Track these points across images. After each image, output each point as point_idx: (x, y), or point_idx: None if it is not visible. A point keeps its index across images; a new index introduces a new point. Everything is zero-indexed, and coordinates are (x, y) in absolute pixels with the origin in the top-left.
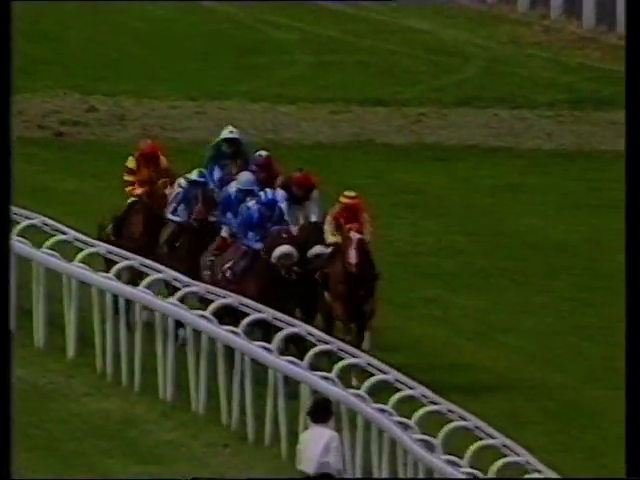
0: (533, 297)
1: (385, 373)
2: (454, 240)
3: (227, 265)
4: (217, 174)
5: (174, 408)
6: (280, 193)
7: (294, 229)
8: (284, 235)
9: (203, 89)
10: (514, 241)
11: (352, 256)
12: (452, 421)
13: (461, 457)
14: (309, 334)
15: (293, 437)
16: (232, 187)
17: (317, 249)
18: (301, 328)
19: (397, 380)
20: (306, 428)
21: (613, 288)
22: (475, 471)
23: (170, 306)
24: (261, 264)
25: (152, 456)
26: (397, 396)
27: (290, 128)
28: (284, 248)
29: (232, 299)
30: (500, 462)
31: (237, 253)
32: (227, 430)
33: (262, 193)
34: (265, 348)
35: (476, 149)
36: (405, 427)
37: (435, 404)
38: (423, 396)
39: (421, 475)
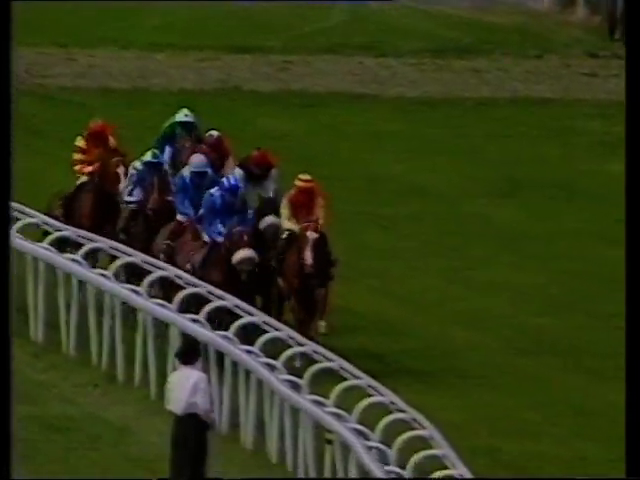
0: (400, 242)
1: (251, 315)
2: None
3: (187, 257)
4: (168, 154)
5: (45, 350)
6: (238, 172)
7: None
8: (245, 238)
9: (73, 36)
10: (379, 187)
11: (308, 257)
12: (318, 362)
13: (327, 397)
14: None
15: (162, 378)
16: (186, 170)
17: (269, 219)
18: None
19: (264, 322)
20: (175, 369)
21: (475, 232)
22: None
23: (41, 250)
24: (220, 257)
25: (24, 397)
26: (263, 338)
27: (158, 75)
28: (244, 252)
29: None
30: (365, 402)
31: (196, 243)
32: (97, 371)
33: (225, 179)
34: (134, 291)
35: (341, 96)
36: (272, 368)
37: (301, 345)
38: (290, 337)
39: (287, 414)
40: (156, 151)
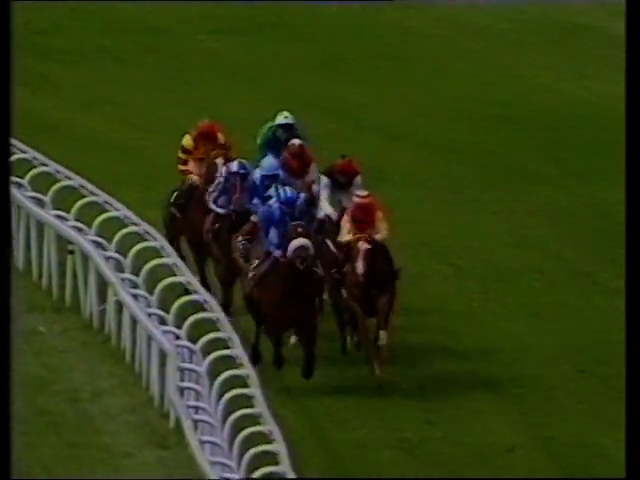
0: (136, 75)
1: None
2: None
3: (253, 266)
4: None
5: None
6: (324, 180)
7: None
8: (299, 229)
9: None
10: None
11: (360, 267)
12: (60, 180)
13: (69, 212)
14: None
15: None
16: (256, 173)
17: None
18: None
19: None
20: None
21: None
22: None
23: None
24: (277, 273)
25: None
26: (12, 158)
27: None
28: (298, 241)
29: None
30: (102, 216)
31: (261, 252)
32: None
33: (281, 191)
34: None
35: None
36: (19, 186)
37: (45, 165)
38: (35, 159)
39: (33, 227)
40: (243, 161)
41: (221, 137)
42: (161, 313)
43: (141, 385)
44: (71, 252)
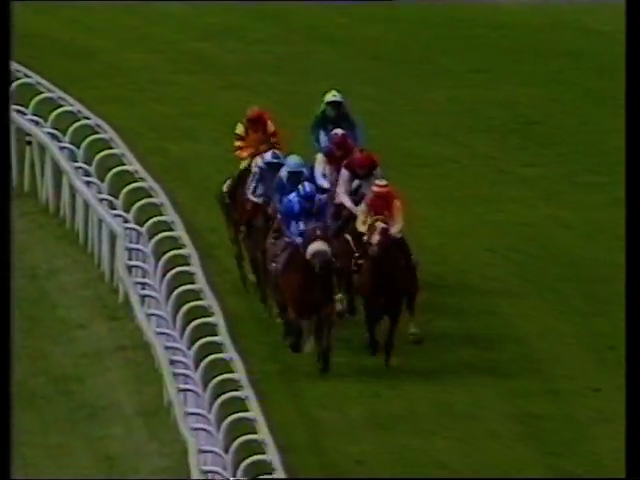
0: None
1: None
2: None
3: (275, 256)
4: (323, 141)
5: None
6: (344, 173)
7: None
8: (318, 232)
9: None
10: None
11: (375, 239)
12: (20, 78)
13: (27, 107)
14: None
15: None
16: (283, 171)
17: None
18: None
19: None
20: None
21: None
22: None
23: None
24: (300, 260)
25: None
26: None
27: None
28: (316, 245)
29: None
30: (57, 111)
31: (283, 244)
32: None
33: (301, 186)
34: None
35: None
36: None
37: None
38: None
39: None
40: (276, 151)
41: (270, 125)
42: (111, 199)
43: (93, 263)
44: (29, 143)
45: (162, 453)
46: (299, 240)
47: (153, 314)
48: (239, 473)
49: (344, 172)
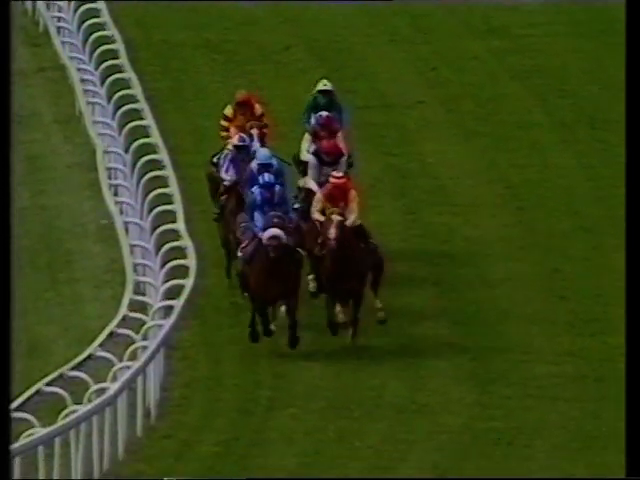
0: None
1: None
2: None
3: (242, 246)
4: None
5: None
6: (311, 159)
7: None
8: (275, 220)
9: None
10: None
11: (332, 234)
12: None
13: None
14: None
15: None
16: (253, 163)
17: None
18: None
19: None
20: None
21: None
22: None
23: None
24: (261, 254)
25: None
26: None
27: None
28: (271, 231)
29: None
30: None
31: (251, 235)
32: None
33: (260, 177)
34: None
35: None
36: None
37: None
38: None
39: None
40: (242, 135)
41: (258, 108)
42: None
43: None
44: None
45: (75, 153)
46: (260, 233)
47: (67, 42)
48: (136, 170)
49: (311, 158)
